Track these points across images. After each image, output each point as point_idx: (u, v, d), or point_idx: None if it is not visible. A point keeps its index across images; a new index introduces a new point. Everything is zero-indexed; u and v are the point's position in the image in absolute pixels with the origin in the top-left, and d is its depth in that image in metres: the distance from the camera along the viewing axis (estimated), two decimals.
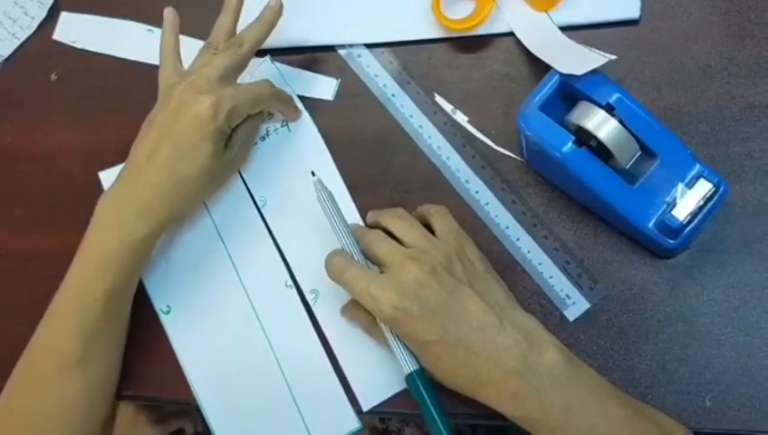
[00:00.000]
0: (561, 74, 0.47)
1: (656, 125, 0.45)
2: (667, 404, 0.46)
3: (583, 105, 0.46)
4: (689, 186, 0.44)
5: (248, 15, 0.54)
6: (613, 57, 0.45)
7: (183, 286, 0.54)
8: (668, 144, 0.45)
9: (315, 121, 0.56)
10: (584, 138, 0.45)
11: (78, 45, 0.64)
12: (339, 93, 0.57)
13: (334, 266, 0.46)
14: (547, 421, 0.41)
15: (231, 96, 0.49)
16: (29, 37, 0.65)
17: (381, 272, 0.46)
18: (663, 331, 0.47)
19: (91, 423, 0.50)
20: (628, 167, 0.46)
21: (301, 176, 0.53)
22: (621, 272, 0.49)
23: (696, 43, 0.51)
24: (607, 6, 0.52)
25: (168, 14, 0.54)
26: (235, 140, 0.52)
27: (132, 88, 0.60)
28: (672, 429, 0.43)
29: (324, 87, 0.57)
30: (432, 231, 0.48)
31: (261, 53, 0.58)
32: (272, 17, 0.53)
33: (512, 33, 0.54)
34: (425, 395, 0.45)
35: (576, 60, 0.47)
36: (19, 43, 0.65)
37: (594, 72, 0.45)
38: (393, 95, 0.56)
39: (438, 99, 0.55)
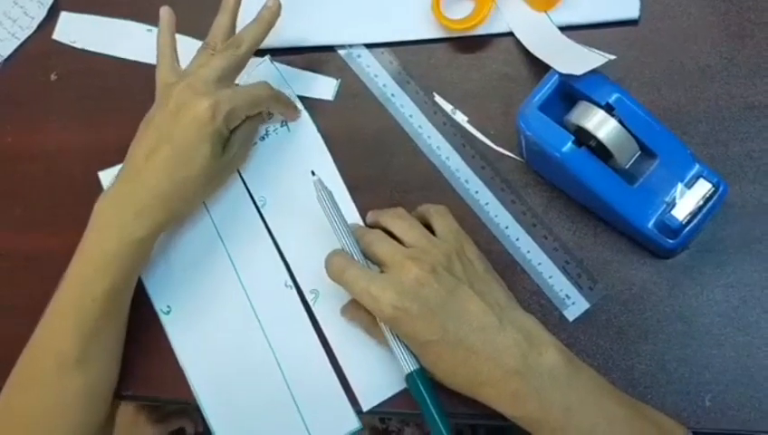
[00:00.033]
0: (561, 74, 0.47)
1: (655, 125, 0.45)
2: (667, 404, 0.46)
3: (583, 105, 0.46)
4: (689, 186, 0.44)
5: (247, 16, 0.54)
6: (613, 57, 0.45)
7: (183, 287, 0.54)
8: (668, 144, 0.45)
9: (315, 121, 0.56)
10: (584, 138, 0.45)
11: (78, 45, 0.64)
12: (339, 93, 0.57)
13: (334, 266, 0.46)
14: (547, 421, 0.41)
15: (229, 98, 0.49)
16: (29, 37, 0.65)
17: (381, 272, 0.46)
18: (662, 331, 0.47)
19: (89, 423, 0.50)
20: (627, 167, 0.46)
21: (300, 176, 0.53)
22: (621, 272, 0.49)
23: (695, 43, 0.51)
24: (606, 6, 0.52)
25: (165, 12, 0.54)
26: (233, 141, 0.52)
27: (132, 88, 0.60)
28: (672, 429, 0.43)
29: (324, 87, 0.57)
30: (432, 231, 0.48)
31: (260, 53, 0.58)
32: (270, 17, 0.53)
33: (511, 34, 0.54)
34: (425, 395, 0.45)
35: (575, 60, 0.47)
36: (19, 43, 0.65)
37: (594, 72, 0.45)
38: (393, 95, 0.56)
39: (438, 99, 0.55)
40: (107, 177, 0.58)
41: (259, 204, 0.55)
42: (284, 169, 0.56)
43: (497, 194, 0.52)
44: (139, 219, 0.48)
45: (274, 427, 0.51)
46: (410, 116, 0.55)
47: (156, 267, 0.55)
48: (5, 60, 0.65)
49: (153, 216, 0.49)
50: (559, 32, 0.52)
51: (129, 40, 0.62)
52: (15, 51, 0.65)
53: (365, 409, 0.50)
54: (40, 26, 0.65)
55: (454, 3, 0.55)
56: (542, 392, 0.41)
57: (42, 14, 0.65)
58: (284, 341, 0.52)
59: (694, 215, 0.44)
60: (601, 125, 0.44)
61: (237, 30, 0.54)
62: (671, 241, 0.45)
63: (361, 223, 0.53)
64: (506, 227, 0.51)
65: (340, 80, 0.57)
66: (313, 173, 0.49)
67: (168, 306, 0.54)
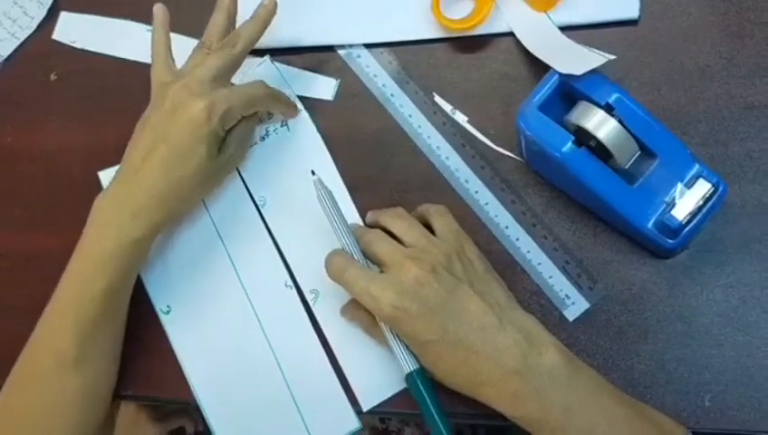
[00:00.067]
0: (561, 74, 0.47)
1: (655, 125, 0.45)
2: (667, 404, 0.46)
3: (583, 105, 0.46)
4: (688, 186, 0.44)
5: (245, 14, 0.54)
6: (612, 57, 0.45)
7: (183, 287, 0.54)
8: (668, 144, 0.45)
9: (315, 121, 0.56)
10: (584, 138, 0.45)
11: (78, 45, 0.64)
12: (338, 93, 0.57)
13: (334, 266, 0.46)
14: (547, 421, 0.41)
15: (225, 98, 0.49)
16: (29, 37, 0.65)
17: (381, 271, 0.46)
18: (662, 331, 0.47)
19: (89, 422, 0.50)
20: (627, 167, 0.46)
21: (300, 176, 0.53)
22: (621, 272, 0.49)
23: (695, 43, 0.51)
24: (606, 6, 0.52)
25: (158, 10, 0.54)
26: (229, 141, 0.51)
27: (132, 88, 0.60)
28: (671, 429, 0.43)
29: (324, 87, 0.57)
30: (432, 231, 0.48)
31: (260, 53, 0.58)
32: (266, 16, 0.53)
33: (511, 33, 0.54)
34: (425, 394, 0.45)
35: (575, 60, 0.47)
36: (19, 42, 0.65)
37: (593, 72, 0.45)
38: (392, 95, 0.56)
39: (438, 99, 0.55)
40: (107, 177, 0.58)
41: (259, 204, 0.55)
42: (284, 168, 0.56)
43: (497, 194, 0.52)
44: (136, 219, 0.48)
45: (274, 427, 0.51)
46: (410, 116, 0.55)
47: (156, 267, 0.55)
48: (5, 60, 0.65)
49: (150, 216, 0.49)
50: (559, 32, 0.52)
51: (129, 40, 0.62)
52: (15, 51, 0.65)
53: (365, 409, 0.50)
54: (40, 26, 0.65)
55: (454, 3, 0.55)
56: (542, 392, 0.41)
57: (41, 13, 0.65)
58: (284, 341, 0.52)
59: (693, 215, 0.44)
60: (601, 125, 0.44)
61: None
62: (671, 241, 0.45)
63: (361, 223, 0.53)
64: (506, 227, 0.51)
65: (339, 80, 0.57)
66: (313, 173, 0.49)
67: (168, 306, 0.54)
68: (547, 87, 0.47)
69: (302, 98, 0.57)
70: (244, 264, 0.54)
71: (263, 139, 0.57)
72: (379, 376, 0.50)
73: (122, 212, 0.48)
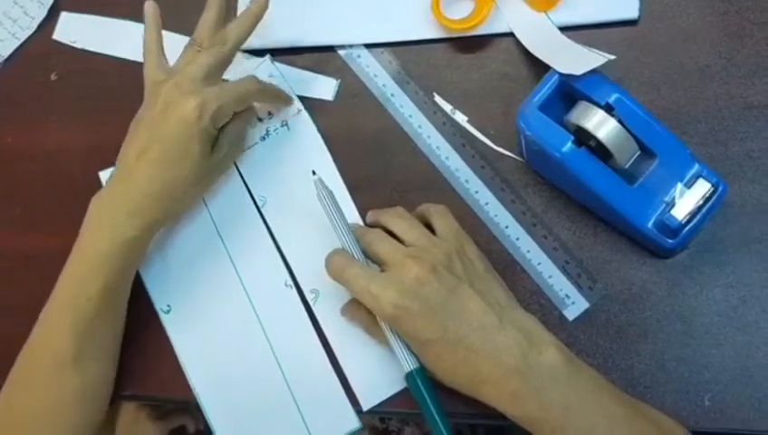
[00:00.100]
0: (561, 74, 0.47)
1: (655, 125, 0.45)
2: (666, 404, 0.46)
3: (582, 105, 0.46)
4: (688, 185, 0.44)
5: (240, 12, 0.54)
6: (612, 57, 0.45)
7: (183, 286, 0.54)
8: (667, 144, 0.45)
9: (315, 121, 0.56)
10: (583, 138, 0.45)
11: (78, 45, 0.64)
12: (338, 93, 0.57)
13: (335, 265, 0.46)
14: (547, 420, 0.41)
15: (216, 96, 0.49)
16: (29, 37, 0.65)
17: (382, 271, 0.46)
18: (662, 330, 0.47)
19: (88, 421, 0.51)
20: (627, 167, 0.46)
21: (301, 175, 0.53)
22: (620, 272, 0.49)
23: (694, 43, 0.51)
24: (606, 6, 0.53)
25: (149, 7, 0.54)
26: (222, 140, 0.51)
27: (132, 88, 0.60)
28: (671, 428, 0.43)
29: (324, 87, 0.57)
30: (432, 231, 0.49)
31: (261, 52, 0.58)
32: (257, 11, 0.53)
33: (511, 34, 0.54)
34: (425, 394, 0.45)
35: (575, 60, 0.47)
36: (19, 43, 0.65)
37: (593, 72, 0.45)
38: (392, 95, 0.56)
39: (438, 99, 0.55)
40: (107, 177, 0.58)
41: (259, 203, 0.55)
42: (284, 168, 0.56)
43: (497, 194, 0.52)
44: (131, 219, 0.48)
45: (274, 426, 0.51)
46: (410, 116, 0.55)
47: (156, 267, 0.55)
48: (6, 60, 0.65)
49: (145, 215, 0.49)
50: (559, 32, 0.52)
51: (129, 40, 0.62)
52: (16, 51, 0.65)
53: (365, 408, 0.50)
54: (40, 26, 0.65)
55: (454, 3, 0.55)
56: (542, 391, 0.41)
57: (42, 14, 0.65)
58: (285, 340, 0.52)
59: (693, 214, 0.44)
60: (601, 125, 0.44)
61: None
62: (671, 241, 0.45)
63: (361, 223, 0.53)
64: (506, 227, 0.51)
65: (339, 80, 0.57)
66: (314, 172, 0.49)
67: (169, 306, 0.54)
68: (547, 87, 0.47)
69: (302, 98, 0.57)
70: (245, 263, 0.54)
71: (263, 139, 0.57)
72: (379, 376, 0.50)
73: (118, 212, 0.48)
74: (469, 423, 0.76)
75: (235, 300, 0.53)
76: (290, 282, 0.53)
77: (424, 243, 0.46)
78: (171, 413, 0.80)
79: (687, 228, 0.44)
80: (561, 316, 0.49)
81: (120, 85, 0.62)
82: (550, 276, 0.50)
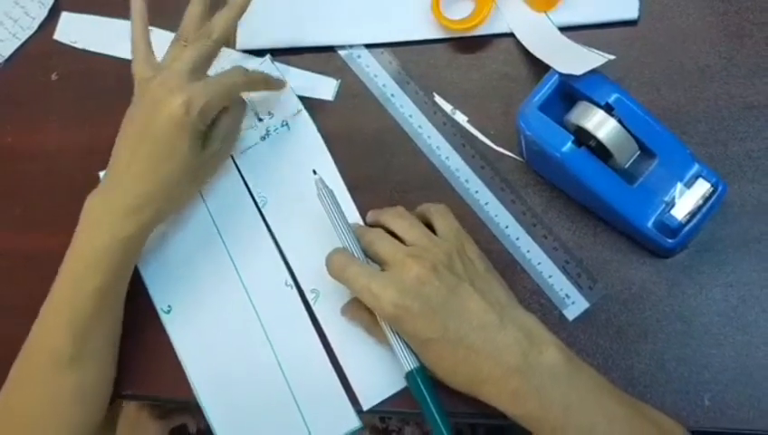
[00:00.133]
0: (561, 74, 0.47)
1: (655, 125, 0.45)
2: (666, 403, 0.46)
3: (582, 105, 0.46)
4: (688, 185, 0.44)
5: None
6: (612, 57, 0.45)
7: (184, 286, 0.55)
8: (667, 144, 0.45)
9: (315, 121, 0.56)
10: (583, 138, 0.45)
11: (78, 45, 0.64)
12: (338, 93, 0.57)
13: (335, 264, 0.46)
14: (547, 420, 0.41)
15: (203, 91, 0.48)
16: (30, 37, 0.65)
17: (382, 270, 0.46)
18: (662, 330, 0.47)
19: (86, 420, 0.51)
20: (627, 166, 0.46)
21: (301, 175, 0.53)
22: (620, 271, 0.49)
23: (694, 43, 0.52)
24: (606, 7, 0.53)
25: (136, 3, 0.53)
26: (214, 137, 0.51)
27: (132, 88, 0.60)
28: (671, 428, 0.43)
29: (324, 87, 0.57)
30: (432, 230, 0.49)
31: (261, 52, 0.58)
32: (242, 2, 0.52)
33: (511, 34, 0.54)
34: (425, 393, 0.45)
35: (575, 60, 0.47)
36: (20, 43, 0.65)
37: (593, 72, 0.45)
38: (393, 95, 0.56)
39: (438, 99, 0.55)
40: None
41: (259, 203, 0.55)
42: (285, 168, 0.56)
43: (497, 194, 0.52)
44: (126, 217, 0.48)
45: (275, 425, 0.51)
46: (410, 116, 0.55)
47: (157, 267, 0.55)
48: (6, 60, 0.65)
49: (140, 214, 0.49)
50: (559, 32, 0.52)
51: (129, 40, 0.62)
52: (16, 51, 0.65)
53: (365, 408, 0.50)
54: (41, 26, 0.65)
55: (454, 3, 0.55)
56: (543, 391, 0.41)
57: (43, 14, 0.65)
58: (285, 340, 0.52)
59: (693, 214, 0.44)
60: (601, 125, 0.44)
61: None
62: (670, 241, 0.45)
63: (361, 222, 0.53)
64: (506, 227, 0.51)
65: (340, 80, 0.57)
66: (315, 172, 0.49)
67: (169, 305, 0.54)
68: (547, 87, 0.47)
69: (302, 98, 0.57)
70: (245, 263, 0.54)
71: (263, 138, 0.57)
72: (379, 375, 0.50)
73: (112, 210, 0.48)
74: (469, 423, 0.76)
75: (236, 300, 0.54)
76: (290, 281, 0.53)
77: (424, 242, 0.46)
78: (172, 412, 0.80)
79: (687, 228, 0.44)
80: (561, 316, 0.49)
81: (120, 85, 0.61)
82: (550, 276, 0.50)
